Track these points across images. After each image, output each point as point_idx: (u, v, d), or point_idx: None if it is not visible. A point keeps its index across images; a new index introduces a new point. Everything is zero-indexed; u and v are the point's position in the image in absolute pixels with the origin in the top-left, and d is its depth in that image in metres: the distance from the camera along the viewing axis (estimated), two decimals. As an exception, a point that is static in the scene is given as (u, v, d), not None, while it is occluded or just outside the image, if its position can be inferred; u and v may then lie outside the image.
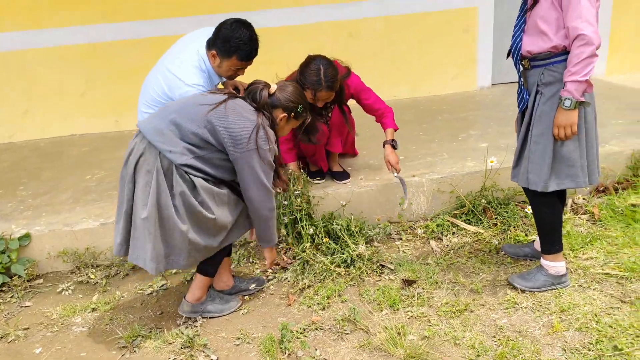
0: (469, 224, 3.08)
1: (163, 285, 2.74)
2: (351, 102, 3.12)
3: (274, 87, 2.30)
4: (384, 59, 4.97)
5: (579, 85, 2.10)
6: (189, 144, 2.14)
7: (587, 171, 2.24)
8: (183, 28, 3.55)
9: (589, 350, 2.07)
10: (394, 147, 2.99)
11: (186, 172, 2.14)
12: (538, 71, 2.21)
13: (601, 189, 3.34)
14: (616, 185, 3.34)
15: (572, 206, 3.21)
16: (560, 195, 2.40)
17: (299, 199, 2.79)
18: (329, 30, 4.77)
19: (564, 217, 3.07)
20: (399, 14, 4.85)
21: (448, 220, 3.09)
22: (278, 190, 2.90)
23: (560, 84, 2.15)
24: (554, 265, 2.42)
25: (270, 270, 2.79)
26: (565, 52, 2.14)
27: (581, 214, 3.13)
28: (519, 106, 2.33)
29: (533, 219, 2.64)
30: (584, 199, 3.25)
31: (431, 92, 5.14)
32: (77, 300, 2.68)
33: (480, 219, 3.09)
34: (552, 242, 2.38)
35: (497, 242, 2.87)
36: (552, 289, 2.44)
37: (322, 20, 4.73)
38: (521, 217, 3.07)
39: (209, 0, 4.54)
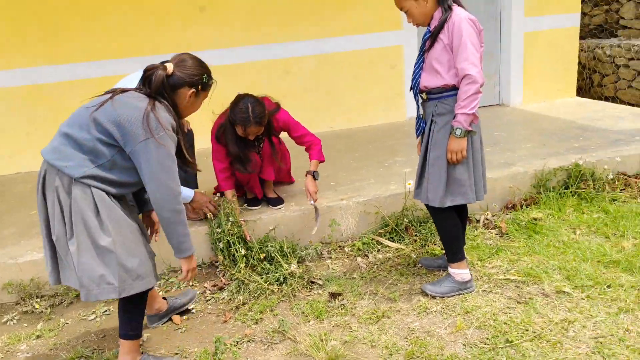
0: (392, 241, 3.39)
1: (106, 311, 2.90)
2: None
3: (170, 66, 2.14)
4: (319, 94, 5.33)
5: (467, 117, 2.46)
6: (88, 153, 2.04)
7: (474, 189, 2.60)
8: (123, 69, 3.80)
9: (485, 344, 2.38)
10: (315, 177, 3.30)
11: (89, 185, 2.04)
12: (433, 103, 2.57)
13: (510, 206, 3.74)
14: (522, 202, 3.75)
15: (484, 222, 3.57)
16: (458, 210, 2.74)
17: (229, 224, 3.03)
18: (264, 68, 5.10)
19: (476, 232, 3.44)
20: (331, 52, 5.25)
21: (373, 239, 3.39)
22: (210, 217, 3.14)
23: (450, 115, 2.51)
24: (460, 272, 2.74)
25: (208, 291, 3.00)
26: (455, 88, 2.50)
27: (491, 229, 3.50)
28: (416, 132, 2.69)
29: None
30: (493, 215, 3.63)
31: (364, 123, 5.52)
32: (22, 329, 2.80)
33: (403, 237, 3.40)
34: (454, 251, 2.71)
35: (415, 256, 3.19)
36: (459, 294, 2.76)
37: (257, 60, 5.07)
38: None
39: (148, 42, 4.79)
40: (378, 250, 3.33)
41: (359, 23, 5.27)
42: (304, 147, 3.41)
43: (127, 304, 2.24)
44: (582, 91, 7.03)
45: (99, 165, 2.05)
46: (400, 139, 4.93)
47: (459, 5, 2.49)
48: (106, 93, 2.15)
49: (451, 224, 2.68)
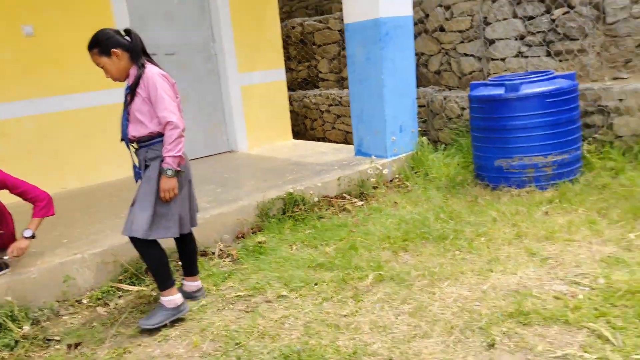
0: (133, 285, 3.53)
1: None
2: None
3: None
4: (43, 155, 5.17)
5: (175, 159, 2.82)
6: None
7: (179, 224, 2.93)
8: None
9: (218, 351, 2.72)
10: (25, 236, 3.31)
11: None
12: (144, 150, 2.89)
13: (240, 235, 4.23)
14: (250, 230, 4.28)
15: (219, 253, 3.97)
16: (183, 241, 3.07)
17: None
18: (-23, 133, 4.77)
19: (212, 262, 3.82)
20: (51, 112, 5.17)
21: (112, 286, 3.48)
22: None
23: (160, 159, 2.85)
24: (171, 299, 2.97)
25: None
26: (160, 135, 2.85)
27: (225, 258, 3.92)
28: (135, 179, 2.96)
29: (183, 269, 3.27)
30: (227, 246, 4.07)
31: (99, 180, 5.53)
32: None
33: (143, 279, 3.58)
34: (163, 279, 2.96)
35: (155, 294, 3.39)
36: (174, 319, 2.99)
37: (-35, 124, 4.72)
38: (177, 269, 3.68)
39: None
40: (119, 297, 3.43)
41: (84, 81, 5.32)
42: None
43: None
44: (299, 134, 8.20)
45: None
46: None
47: (152, 62, 2.88)
48: None
49: (156, 254, 2.92)
